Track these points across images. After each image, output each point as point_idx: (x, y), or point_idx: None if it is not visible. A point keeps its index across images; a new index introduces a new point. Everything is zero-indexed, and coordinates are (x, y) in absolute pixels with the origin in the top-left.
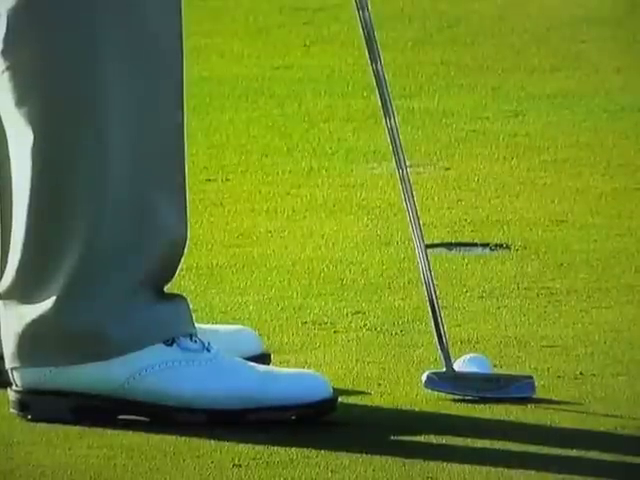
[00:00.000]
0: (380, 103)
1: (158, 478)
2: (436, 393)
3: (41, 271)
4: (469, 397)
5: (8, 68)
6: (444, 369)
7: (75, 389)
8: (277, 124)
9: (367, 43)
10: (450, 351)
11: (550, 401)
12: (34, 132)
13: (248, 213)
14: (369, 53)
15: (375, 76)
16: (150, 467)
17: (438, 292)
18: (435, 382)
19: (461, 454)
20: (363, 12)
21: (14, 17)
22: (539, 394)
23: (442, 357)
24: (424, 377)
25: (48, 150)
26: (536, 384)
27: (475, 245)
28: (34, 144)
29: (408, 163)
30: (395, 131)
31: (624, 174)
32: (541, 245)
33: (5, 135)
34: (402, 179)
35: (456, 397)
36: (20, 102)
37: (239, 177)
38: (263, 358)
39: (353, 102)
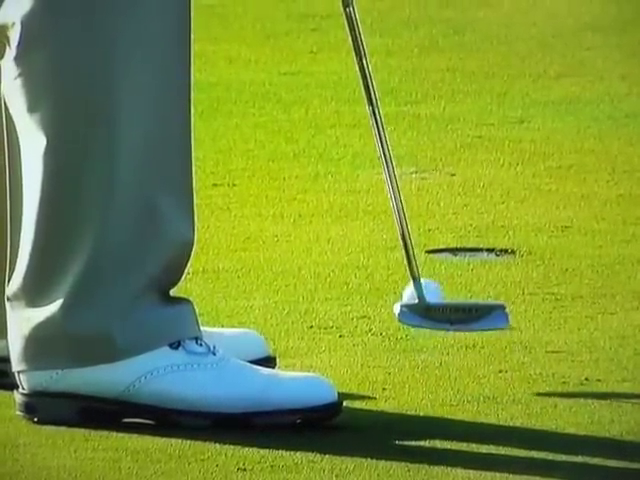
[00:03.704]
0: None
1: None
2: (440, 397)
3: (48, 274)
4: (443, 331)
5: (21, 74)
6: (416, 300)
7: (81, 392)
8: (284, 129)
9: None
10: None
11: (555, 406)
12: (46, 136)
13: (254, 218)
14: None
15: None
16: (155, 470)
17: (443, 294)
18: (408, 315)
19: (466, 459)
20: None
21: (29, 23)
22: (543, 400)
23: (414, 288)
24: (397, 310)
25: (59, 154)
26: (509, 315)
27: (480, 250)
28: (46, 148)
29: (414, 169)
30: (368, 72)
31: (629, 180)
32: (546, 251)
33: (17, 140)
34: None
35: (457, 399)
36: (32, 107)
37: (246, 182)
38: (268, 361)
39: (359, 108)
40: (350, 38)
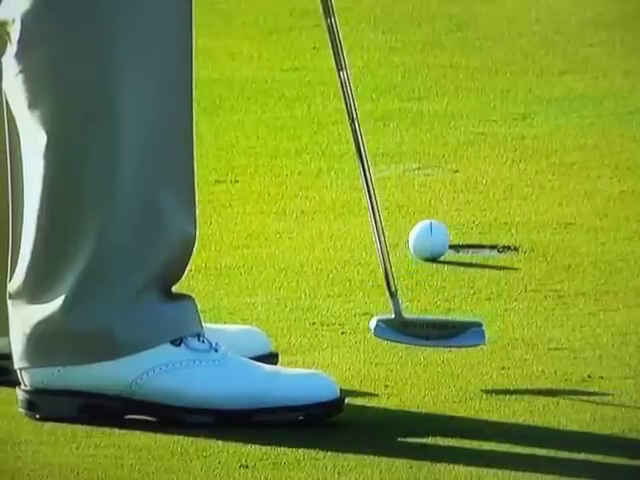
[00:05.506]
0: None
1: (165, 478)
2: (443, 394)
3: (49, 271)
4: (422, 347)
5: (22, 71)
6: (393, 315)
7: (83, 389)
8: (286, 126)
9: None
10: (399, 297)
11: (557, 404)
12: (47, 133)
13: (257, 214)
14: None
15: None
16: (157, 467)
17: (445, 294)
18: (384, 330)
19: (468, 456)
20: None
21: (29, 20)
22: (546, 397)
23: (391, 303)
24: (372, 324)
25: (61, 150)
26: (486, 332)
27: (483, 247)
28: (47, 145)
29: (417, 165)
30: (349, 85)
31: (632, 177)
32: (549, 247)
33: (18, 137)
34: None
35: (459, 396)
36: (34, 104)
37: (248, 178)
38: (271, 358)
39: (361, 105)
40: (332, 50)
